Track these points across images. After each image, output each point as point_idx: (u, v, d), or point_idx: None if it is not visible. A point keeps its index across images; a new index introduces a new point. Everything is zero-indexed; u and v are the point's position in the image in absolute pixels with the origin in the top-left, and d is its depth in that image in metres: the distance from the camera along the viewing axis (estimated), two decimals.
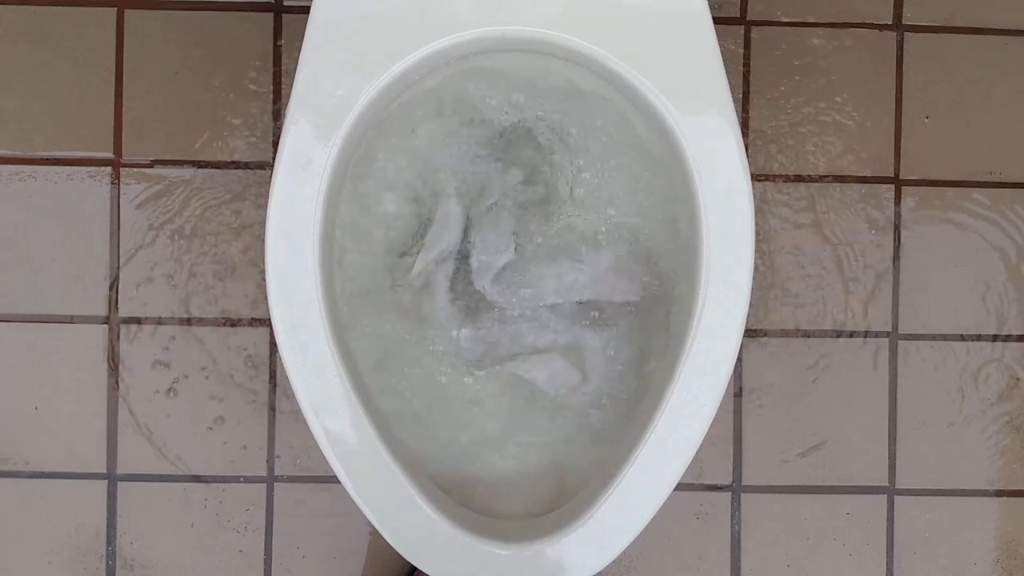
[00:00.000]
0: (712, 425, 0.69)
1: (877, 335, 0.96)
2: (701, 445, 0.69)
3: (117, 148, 0.95)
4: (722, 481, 0.96)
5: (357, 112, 0.68)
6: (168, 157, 0.94)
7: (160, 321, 0.94)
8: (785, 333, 0.96)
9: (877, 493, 0.96)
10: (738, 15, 0.96)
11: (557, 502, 0.73)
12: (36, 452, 0.94)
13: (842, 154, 0.96)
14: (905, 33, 0.97)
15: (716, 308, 0.68)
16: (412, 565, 0.90)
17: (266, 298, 0.69)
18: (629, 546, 0.69)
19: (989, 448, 0.97)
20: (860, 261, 0.96)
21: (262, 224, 0.94)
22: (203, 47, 0.95)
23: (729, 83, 0.70)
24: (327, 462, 0.68)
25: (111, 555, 0.94)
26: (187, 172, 0.95)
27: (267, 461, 0.94)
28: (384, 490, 0.68)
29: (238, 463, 0.94)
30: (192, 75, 0.95)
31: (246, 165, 0.95)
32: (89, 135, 0.94)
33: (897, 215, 0.96)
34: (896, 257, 0.96)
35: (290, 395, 0.93)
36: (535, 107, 0.82)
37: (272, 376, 0.95)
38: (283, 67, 0.95)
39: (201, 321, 0.94)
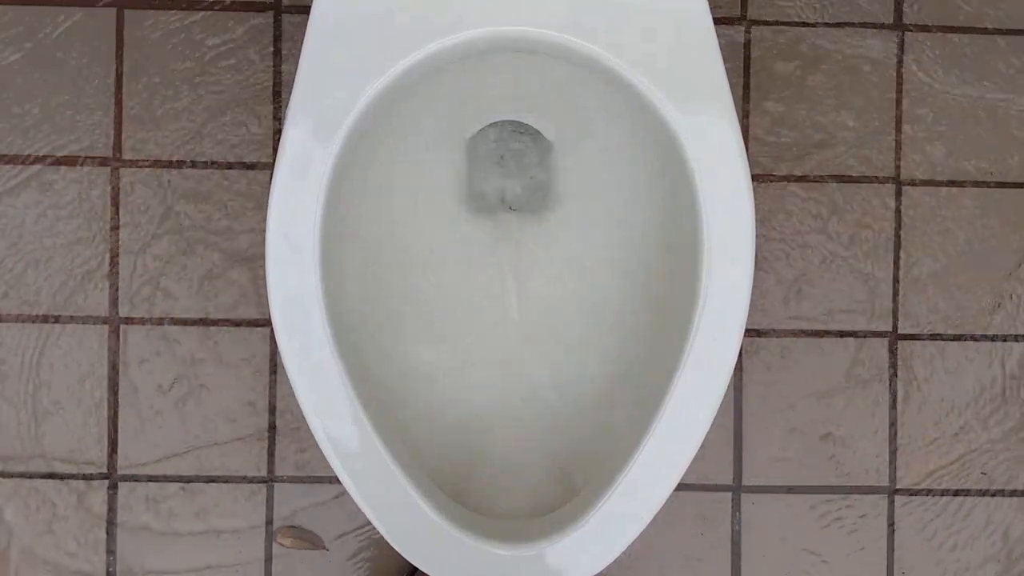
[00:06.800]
0: (712, 425, 0.69)
1: (877, 334, 0.96)
2: (701, 445, 0.69)
3: (117, 148, 0.95)
4: (722, 481, 0.96)
5: (357, 112, 0.68)
6: (168, 157, 0.94)
7: (160, 321, 0.94)
8: (787, 332, 0.96)
9: (877, 493, 0.96)
10: (738, 15, 0.96)
11: (557, 502, 0.73)
12: (36, 452, 0.94)
13: (842, 154, 0.96)
14: (905, 33, 0.97)
15: (716, 308, 0.68)
16: (412, 565, 0.90)
17: (267, 298, 0.69)
18: (629, 546, 0.69)
19: (990, 448, 0.97)
20: (862, 261, 0.96)
21: (263, 224, 0.94)
22: (203, 47, 0.95)
23: (729, 83, 0.69)
24: (327, 462, 0.68)
25: (112, 556, 0.94)
26: (187, 172, 0.94)
27: (267, 461, 0.94)
28: (384, 490, 0.68)
29: (238, 463, 0.94)
30: (192, 75, 0.95)
31: (246, 165, 0.95)
32: (89, 135, 0.94)
33: (898, 215, 0.96)
34: (896, 257, 0.96)
35: (290, 394, 0.93)
36: (535, 106, 0.82)
37: (272, 376, 0.95)
38: (283, 67, 0.95)
39: (202, 321, 0.94)
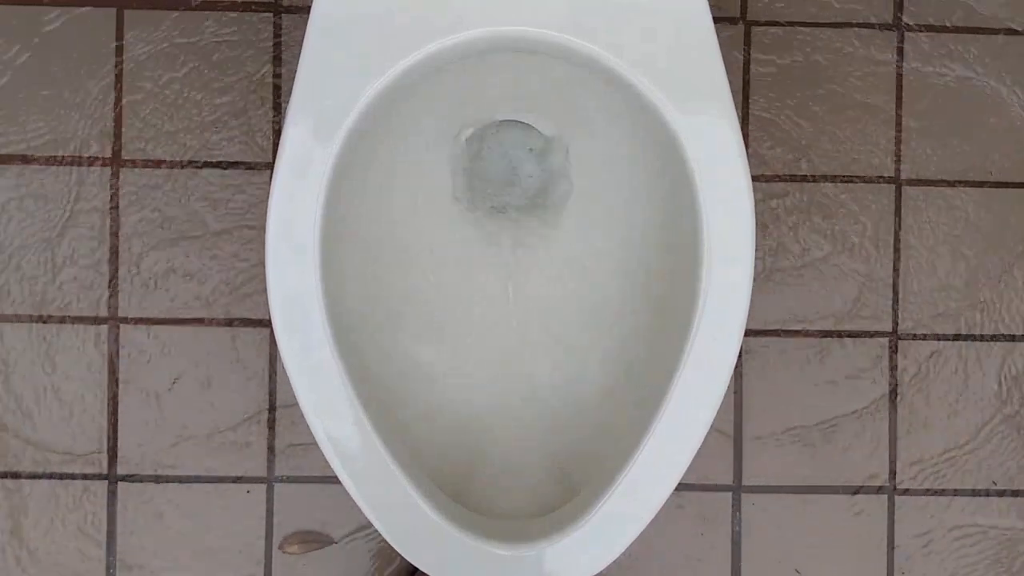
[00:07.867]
0: (712, 425, 0.69)
1: (877, 335, 0.96)
2: (701, 445, 0.69)
3: (117, 148, 0.95)
4: (722, 481, 0.96)
5: (357, 112, 0.68)
6: (168, 157, 0.94)
7: (160, 321, 0.94)
8: (787, 332, 0.96)
9: (877, 493, 0.96)
10: (738, 15, 0.96)
11: (557, 502, 0.73)
12: (36, 452, 0.94)
13: (842, 154, 0.96)
14: (905, 33, 0.97)
15: (716, 308, 0.68)
16: (413, 565, 0.90)
17: (266, 298, 0.69)
18: (629, 546, 0.69)
19: (990, 448, 0.97)
20: (862, 261, 0.96)
21: (263, 224, 0.94)
22: (203, 47, 0.95)
23: (729, 83, 0.69)
24: (327, 462, 0.68)
25: (111, 556, 0.94)
26: (187, 172, 0.94)
27: (267, 461, 0.94)
28: (384, 490, 0.68)
29: (238, 463, 0.94)
30: (192, 75, 0.95)
31: (246, 165, 0.95)
32: (89, 135, 0.94)
33: (897, 215, 0.96)
34: (896, 257, 0.96)
35: (290, 395, 0.93)
36: (535, 106, 0.82)
37: (272, 376, 0.95)
38: (283, 67, 0.95)
39: (201, 321, 0.94)
